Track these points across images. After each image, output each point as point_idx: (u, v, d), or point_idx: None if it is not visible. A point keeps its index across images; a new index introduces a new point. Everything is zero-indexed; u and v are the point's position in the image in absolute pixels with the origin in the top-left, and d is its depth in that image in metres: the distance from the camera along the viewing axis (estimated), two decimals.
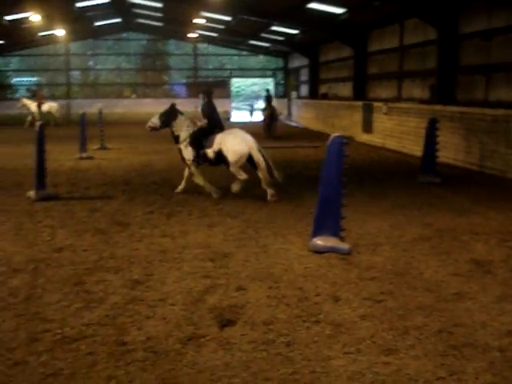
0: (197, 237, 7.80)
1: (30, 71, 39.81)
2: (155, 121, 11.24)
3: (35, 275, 6.24)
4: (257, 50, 39.65)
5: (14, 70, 39.94)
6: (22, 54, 39.03)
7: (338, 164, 6.81)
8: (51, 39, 35.78)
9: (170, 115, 11.15)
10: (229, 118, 37.60)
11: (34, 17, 26.78)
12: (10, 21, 28.86)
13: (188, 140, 10.93)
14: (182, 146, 11.00)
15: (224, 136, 10.63)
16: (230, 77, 40.47)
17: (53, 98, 36.20)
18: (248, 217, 8.98)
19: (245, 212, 9.34)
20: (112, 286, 5.84)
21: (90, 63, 40.97)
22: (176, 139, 11.17)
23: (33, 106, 30.67)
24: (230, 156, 10.42)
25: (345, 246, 6.89)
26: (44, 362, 4.26)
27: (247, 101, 42.36)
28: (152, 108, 38.82)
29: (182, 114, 11.21)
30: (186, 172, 11.22)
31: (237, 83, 40.34)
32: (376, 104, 20.92)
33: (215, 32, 34.99)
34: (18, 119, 31.13)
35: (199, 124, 11.02)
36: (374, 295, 5.51)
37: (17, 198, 10.74)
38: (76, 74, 40.44)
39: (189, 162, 10.97)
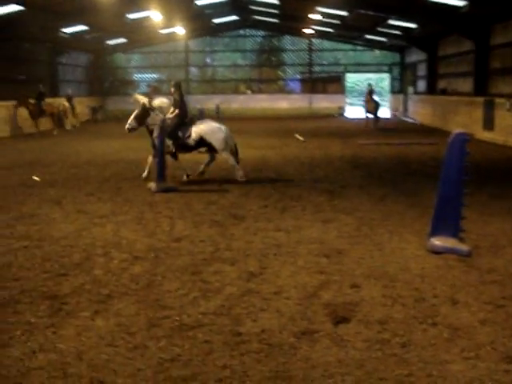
0: (311, 232, 7.80)
1: (150, 68, 41.39)
2: (131, 122, 12.07)
3: (155, 263, 6.49)
4: (373, 45, 38.98)
5: (135, 67, 41.68)
6: (143, 51, 40.66)
7: (460, 162, 6.57)
8: (171, 37, 37.04)
9: (144, 114, 12.02)
10: (342, 114, 37.28)
11: (155, 15, 27.79)
12: (132, 19, 30.17)
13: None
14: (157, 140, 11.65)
15: (201, 126, 11.97)
16: (345, 72, 40.05)
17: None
18: (363, 214, 8.86)
19: (359, 209, 9.23)
20: (228, 277, 5.97)
21: (208, 60, 42.00)
22: (151, 133, 11.97)
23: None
24: (217, 144, 11.81)
25: (464, 247, 6.64)
26: (163, 347, 4.41)
27: (362, 96, 41.72)
28: (267, 103, 39.99)
29: (152, 110, 12.08)
30: (150, 159, 12.04)
31: (351, 78, 39.82)
32: (498, 100, 19.96)
33: (331, 27, 34.77)
34: None
35: (170, 115, 12.10)
36: (495, 299, 5.27)
37: (138, 189, 11.24)
38: (194, 70, 41.61)
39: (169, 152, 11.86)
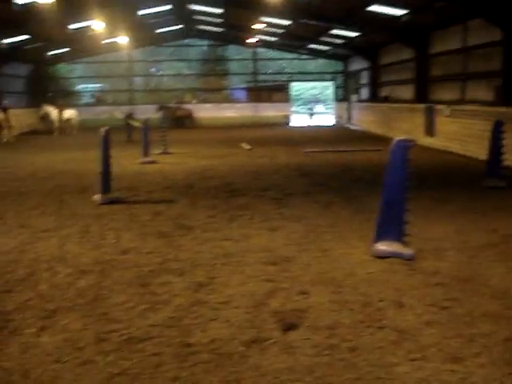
0: (259, 240, 7.83)
1: (94, 78, 40.87)
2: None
3: (102, 276, 6.39)
4: (316, 54, 39.55)
5: (79, 77, 41.07)
6: (86, 61, 40.09)
7: (402, 168, 6.71)
8: (114, 46, 36.65)
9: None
10: (288, 123, 37.55)
11: (98, 25, 27.48)
12: (74, 29, 29.75)
13: None
14: None
15: None
16: (290, 81, 40.38)
17: (116, 103, 37.24)
18: (309, 221, 8.94)
19: (306, 216, 9.31)
20: (176, 289, 5.92)
21: (152, 69, 41.76)
22: None
23: (54, 113, 31.43)
24: None
25: (408, 251, 6.78)
26: (111, 361, 4.34)
27: (307, 105, 42.15)
28: (212, 113, 39.91)
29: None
30: None
31: (296, 87, 40.17)
32: (438, 106, 20.50)
33: (275, 36, 35.13)
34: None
35: None
36: (439, 301, 5.40)
37: (83, 202, 11.02)
38: (138, 80, 41.28)
39: None
